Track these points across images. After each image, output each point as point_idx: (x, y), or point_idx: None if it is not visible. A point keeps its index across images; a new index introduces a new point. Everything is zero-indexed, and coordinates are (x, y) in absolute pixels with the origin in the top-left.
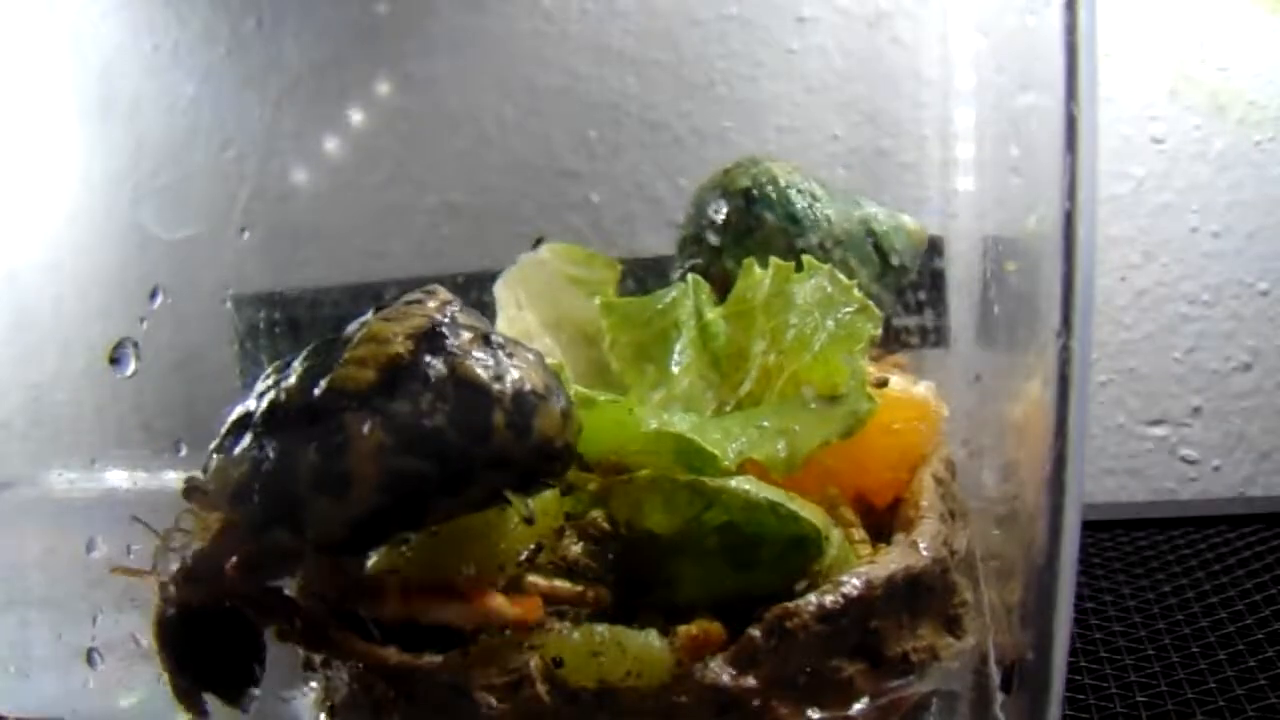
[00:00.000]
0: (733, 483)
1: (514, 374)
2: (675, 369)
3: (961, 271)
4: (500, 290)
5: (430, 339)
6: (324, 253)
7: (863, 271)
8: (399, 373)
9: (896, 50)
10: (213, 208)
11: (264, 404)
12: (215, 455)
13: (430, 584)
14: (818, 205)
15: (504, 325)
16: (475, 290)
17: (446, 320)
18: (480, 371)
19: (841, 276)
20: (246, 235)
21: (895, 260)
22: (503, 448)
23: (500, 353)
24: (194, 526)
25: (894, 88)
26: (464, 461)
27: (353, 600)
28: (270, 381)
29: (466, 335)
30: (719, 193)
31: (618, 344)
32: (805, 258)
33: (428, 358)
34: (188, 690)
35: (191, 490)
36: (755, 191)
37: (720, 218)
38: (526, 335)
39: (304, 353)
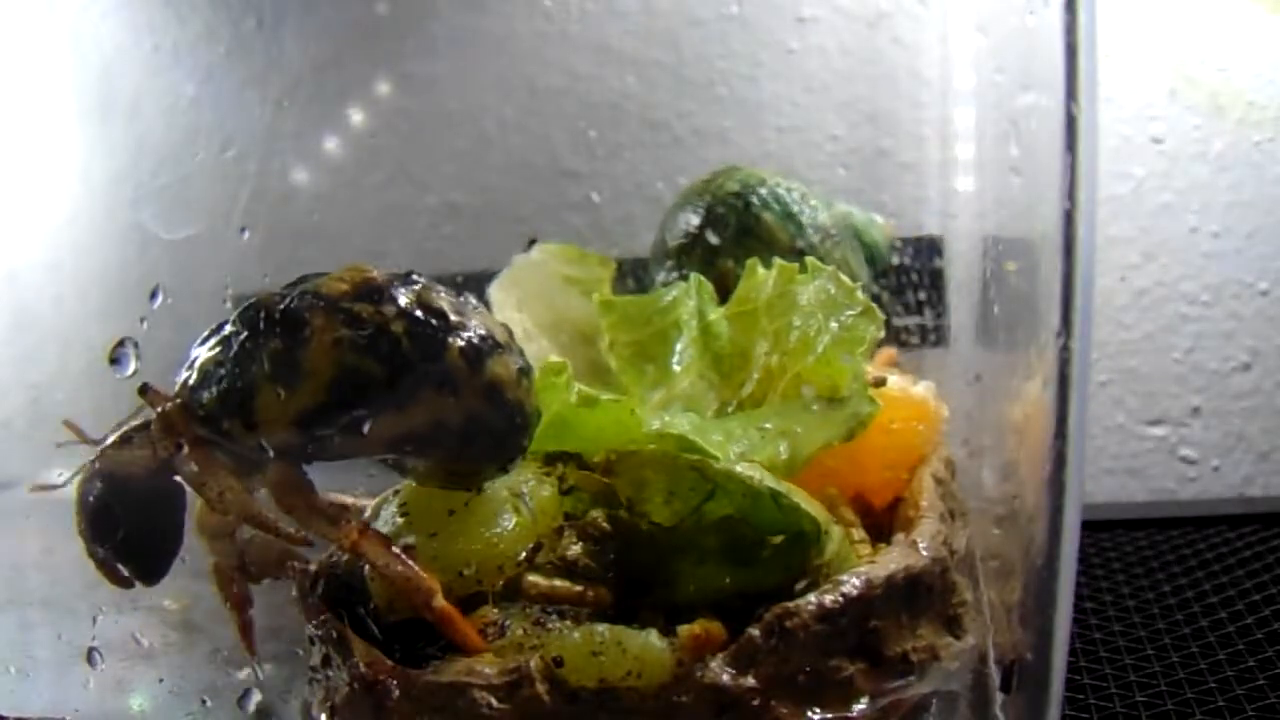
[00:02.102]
0: (738, 468)
1: (477, 321)
2: (676, 369)
3: (961, 271)
4: (495, 293)
5: (407, 277)
6: (324, 253)
7: (862, 270)
8: (371, 288)
9: (896, 50)
10: (213, 208)
11: (242, 308)
12: (192, 351)
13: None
14: (809, 200)
15: None
16: (474, 290)
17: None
18: (445, 304)
19: (845, 278)
20: (246, 235)
21: (878, 255)
22: (452, 372)
23: (470, 305)
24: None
25: (894, 88)
26: (413, 374)
27: (307, 518)
28: (254, 298)
29: (443, 290)
30: (709, 199)
31: (616, 344)
32: (809, 259)
33: (401, 287)
34: (103, 560)
35: (145, 389)
36: (749, 193)
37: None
38: (525, 337)
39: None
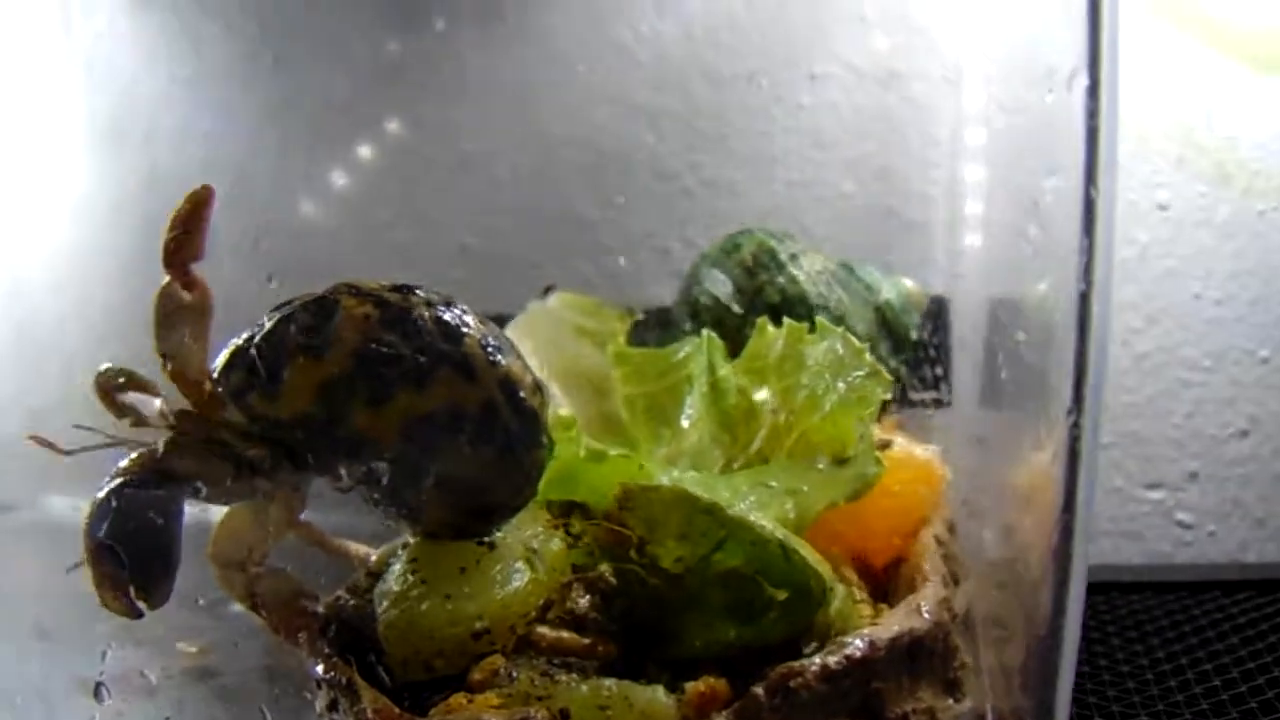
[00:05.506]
0: (751, 516)
1: (496, 331)
2: (685, 424)
3: (966, 331)
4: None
5: (436, 291)
6: None
7: (882, 345)
8: (403, 289)
9: (907, 109)
10: (222, 241)
11: (279, 304)
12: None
13: None
14: (846, 318)
15: None
16: None
17: None
18: (469, 311)
19: (854, 340)
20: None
21: (913, 335)
22: (470, 358)
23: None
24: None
25: (903, 146)
26: (434, 354)
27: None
28: None
29: None
30: (748, 299)
31: (629, 396)
32: (818, 319)
33: (429, 292)
34: (113, 576)
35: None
36: (785, 310)
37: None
38: None
39: None
